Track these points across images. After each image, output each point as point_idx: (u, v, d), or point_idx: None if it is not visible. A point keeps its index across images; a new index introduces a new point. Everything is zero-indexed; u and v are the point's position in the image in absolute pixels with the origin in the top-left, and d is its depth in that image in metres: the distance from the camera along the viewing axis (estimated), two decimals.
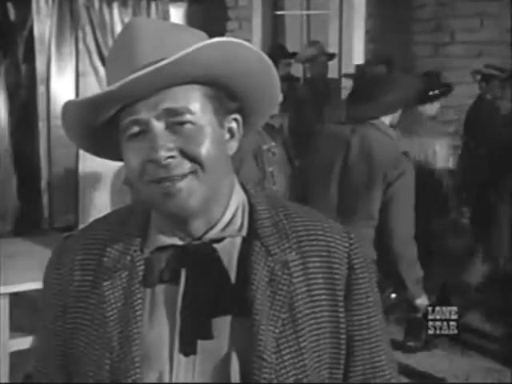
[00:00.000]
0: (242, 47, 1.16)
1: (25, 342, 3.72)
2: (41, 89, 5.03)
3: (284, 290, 1.19)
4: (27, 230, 4.68)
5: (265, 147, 4.07)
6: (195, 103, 1.15)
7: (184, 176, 1.13)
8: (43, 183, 4.90)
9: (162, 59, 1.10)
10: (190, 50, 1.09)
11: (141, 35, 1.14)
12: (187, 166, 1.13)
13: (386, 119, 3.38)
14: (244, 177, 1.38)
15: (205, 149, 1.14)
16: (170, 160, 1.12)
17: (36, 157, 5.01)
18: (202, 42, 1.15)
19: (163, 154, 1.11)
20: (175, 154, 1.12)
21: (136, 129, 1.14)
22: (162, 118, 1.13)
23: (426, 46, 7.75)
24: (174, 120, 1.13)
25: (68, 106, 1.17)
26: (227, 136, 1.22)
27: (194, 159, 1.13)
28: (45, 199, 4.90)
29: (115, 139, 1.19)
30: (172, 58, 1.09)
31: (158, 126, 1.13)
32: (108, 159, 1.31)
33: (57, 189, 4.93)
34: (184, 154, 1.13)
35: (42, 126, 4.99)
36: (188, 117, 1.14)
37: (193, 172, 1.14)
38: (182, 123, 1.14)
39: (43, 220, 4.94)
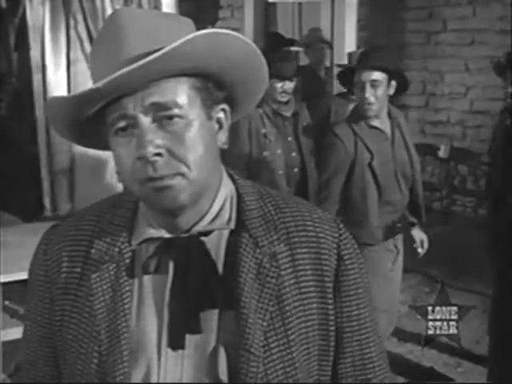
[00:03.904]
0: (232, 37, 1.14)
1: (18, 332, 3.71)
2: (36, 77, 5.01)
3: (272, 283, 1.19)
4: (28, 219, 4.68)
5: (262, 131, 4.08)
6: (183, 96, 1.13)
7: (172, 176, 1.12)
8: (44, 172, 4.88)
9: (150, 52, 1.09)
10: (179, 42, 1.07)
11: (126, 27, 1.12)
12: (175, 166, 1.12)
13: None
14: (234, 155, 1.35)
15: (193, 150, 1.13)
16: (157, 158, 1.10)
17: (34, 145, 4.99)
18: (189, 30, 1.15)
19: (151, 150, 1.10)
20: (163, 151, 1.11)
21: (123, 123, 1.13)
22: (150, 113, 1.11)
23: (418, 34, 7.75)
24: (162, 114, 1.12)
25: (53, 102, 1.15)
26: (216, 127, 1.21)
27: (181, 161, 1.12)
28: (46, 188, 4.89)
29: (101, 131, 1.18)
30: (161, 52, 1.07)
31: (146, 120, 1.11)
32: (95, 149, 1.31)
33: (58, 177, 4.92)
34: (172, 154, 1.12)
35: (39, 114, 4.97)
36: (176, 111, 1.12)
37: (181, 174, 1.13)
38: (170, 117, 1.12)
39: (45, 208, 4.92)
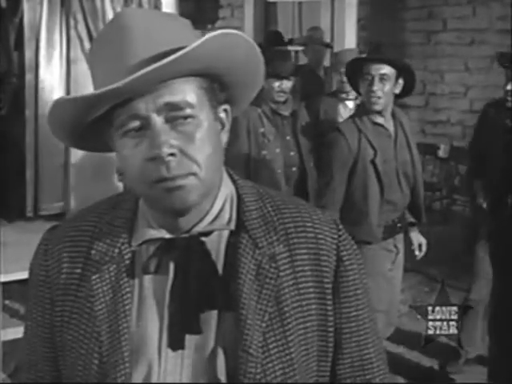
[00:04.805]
0: (240, 38, 1.15)
1: (18, 332, 3.71)
2: (28, 76, 5.00)
3: (271, 284, 1.19)
4: (13, 218, 4.68)
5: (261, 130, 4.09)
6: (193, 96, 1.14)
7: (185, 176, 1.12)
8: (28, 172, 4.88)
9: (160, 53, 1.10)
10: (198, 43, 1.09)
11: (133, 28, 1.12)
12: (187, 166, 1.12)
13: None
14: (233, 155, 1.35)
15: (203, 150, 1.13)
16: (171, 158, 1.10)
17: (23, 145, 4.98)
18: (188, 31, 1.17)
19: (166, 150, 1.10)
20: (176, 151, 1.11)
21: (136, 123, 1.12)
22: (162, 113, 1.12)
23: (418, 34, 7.75)
24: (174, 114, 1.12)
25: (60, 102, 1.14)
26: (219, 127, 1.22)
27: (193, 161, 1.13)
28: (29, 187, 4.88)
29: (103, 134, 1.18)
30: (183, 52, 1.08)
31: (159, 121, 1.12)
32: (93, 152, 1.31)
33: (45, 177, 4.92)
34: (184, 154, 1.12)
35: (28, 114, 4.97)
36: (188, 111, 1.13)
37: (193, 173, 1.13)
38: (182, 118, 1.13)
39: (25, 208, 4.93)
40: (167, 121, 1.12)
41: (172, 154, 1.11)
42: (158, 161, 1.11)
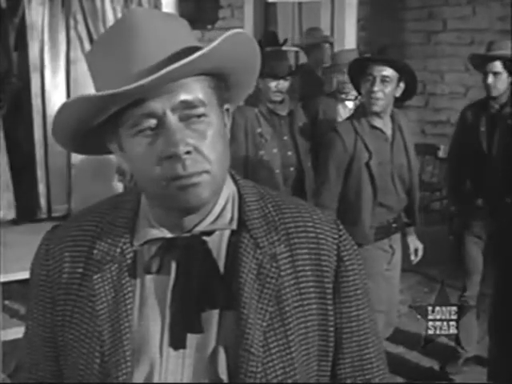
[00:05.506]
0: (245, 37, 1.17)
1: (18, 332, 3.72)
2: (34, 77, 5.00)
3: (272, 283, 1.19)
4: (23, 219, 4.67)
5: (258, 130, 4.10)
6: (204, 94, 1.15)
7: (199, 174, 1.13)
8: (39, 173, 4.87)
9: (174, 54, 1.11)
10: (216, 43, 1.10)
11: (140, 30, 1.13)
12: (201, 164, 1.13)
13: None
14: (232, 154, 1.35)
15: (214, 148, 1.15)
16: (187, 156, 1.11)
17: (31, 146, 4.97)
18: (187, 31, 1.19)
19: (182, 148, 1.11)
20: (191, 149, 1.12)
21: (152, 122, 1.12)
22: (177, 111, 1.13)
23: (418, 34, 7.74)
24: (188, 113, 1.13)
25: (70, 102, 1.13)
26: (224, 126, 1.23)
27: (206, 158, 1.14)
28: (41, 189, 4.88)
29: (104, 136, 1.19)
30: (202, 52, 1.09)
31: (174, 119, 1.12)
32: (92, 155, 1.31)
33: (54, 178, 4.91)
34: (198, 152, 1.13)
35: (36, 114, 4.96)
36: (201, 109, 1.14)
37: (206, 171, 1.14)
38: (196, 116, 1.14)
39: (40, 209, 4.92)
40: (181, 119, 1.13)
41: (188, 152, 1.12)
42: (175, 159, 1.11)
